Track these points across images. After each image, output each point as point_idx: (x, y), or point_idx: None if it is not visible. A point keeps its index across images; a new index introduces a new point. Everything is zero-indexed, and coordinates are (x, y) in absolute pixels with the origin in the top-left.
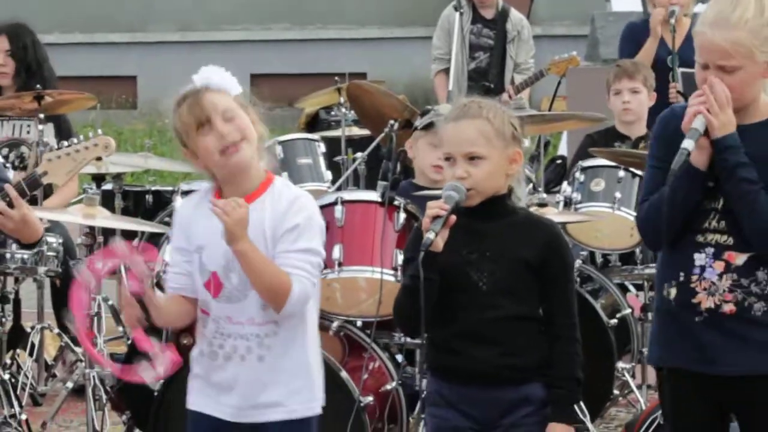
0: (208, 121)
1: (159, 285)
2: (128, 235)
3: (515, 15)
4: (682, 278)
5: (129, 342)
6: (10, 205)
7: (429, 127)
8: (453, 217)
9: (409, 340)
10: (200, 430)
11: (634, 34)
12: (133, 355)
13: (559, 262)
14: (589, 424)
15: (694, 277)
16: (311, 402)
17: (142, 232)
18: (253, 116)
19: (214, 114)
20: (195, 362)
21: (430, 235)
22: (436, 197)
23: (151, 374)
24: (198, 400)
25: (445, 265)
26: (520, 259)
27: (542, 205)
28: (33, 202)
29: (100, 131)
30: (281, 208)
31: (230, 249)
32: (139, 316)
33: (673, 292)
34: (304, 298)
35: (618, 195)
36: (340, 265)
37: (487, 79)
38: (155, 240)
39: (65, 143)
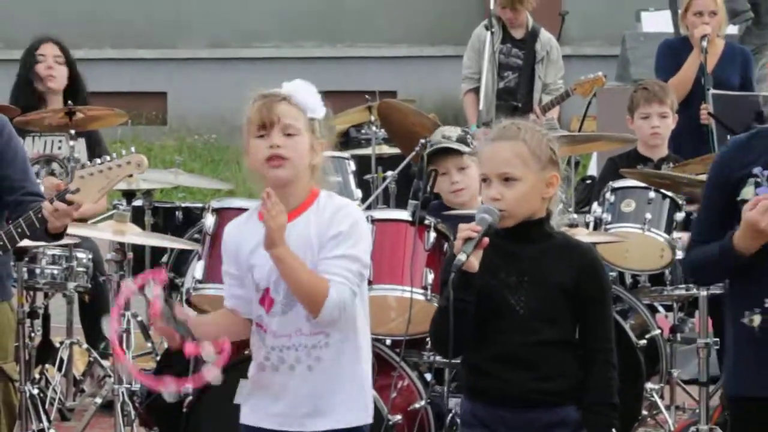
0: (270, 126)
1: (188, 302)
2: (158, 251)
3: (545, 35)
4: (767, 305)
5: (158, 358)
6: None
7: (432, 158)
8: (486, 240)
9: (438, 358)
10: None
11: (672, 50)
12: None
13: (595, 287)
14: None
15: None
16: (360, 412)
17: (172, 249)
18: (318, 144)
19: (277, 123)
20: (250, 379)
21: (462, 257)
22: (468, 217)
23: (172, 388)
24: (250, 414)
25: (483, 288)
26: (558, 283)
27: (572, 225)
28: None
29: (133, 149)
30: (326, 218)
31: (265, 243)
32: (174, 333)
33: (757, 319)
34: (342, 304)
35: (648, 216)
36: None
37: (515, 98)
38: (184, 256)
39: (98, 160)
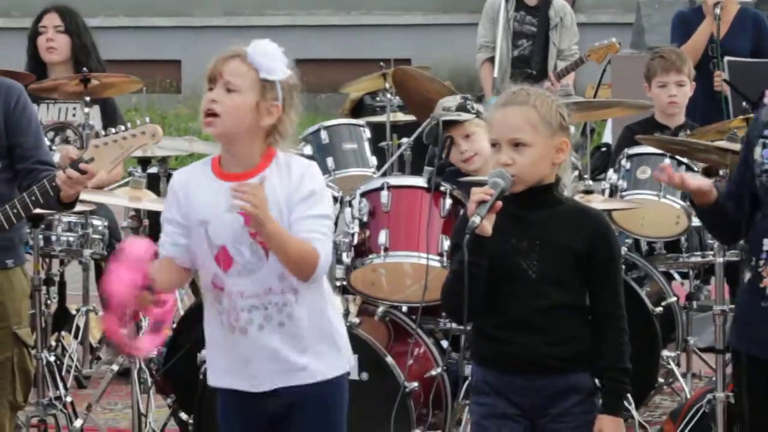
0: (213, 81)
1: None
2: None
3: (558, 2)
4: (753, 262)
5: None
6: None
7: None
8: (499, 203)
9: (454, 325)
10: (230, 406)
11: (685, 22)
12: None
13: (606, 253)
14: (633, 412)
15: (762, 262)
16: (336, 362)
17: None
18: (269, 106)
19: (220, 78)
20: (210, 339)
21: (476, 219)
22: (482, 183)
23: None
24: (221, 376)
25: (495, 253)
26: (568, 248)
27: (588, 192)
28: None
29: (147, 119)
30: (294, 178)
31: (238, 223)
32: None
33: (747, 276)
34: (328, 261)
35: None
36: (386, 250)
37: (529, 66)
38: None
39: (112, 130)
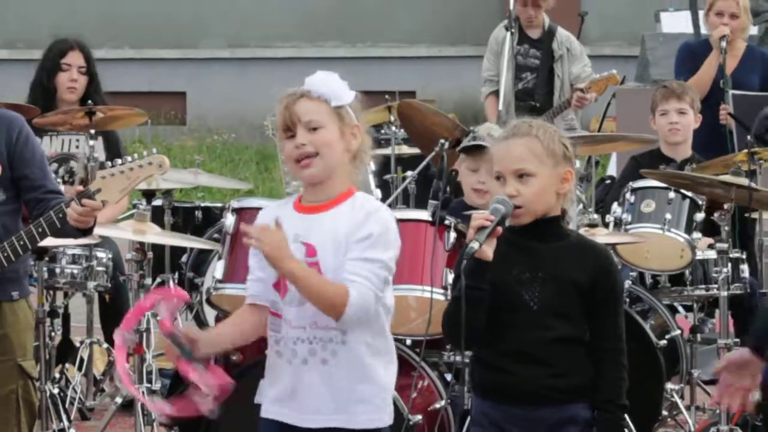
0: (293, 126)
1: (209, 301)
2: (177, 251)
3: (562, 33)
4: None
5: (173, 373)
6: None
7: (469, 151)
8: (499, 229)
9: (458, 359)
10: None
11: (692, 53)
12: (178, 385)
13: (609, 288)
14: None
15: None
16: (374, 414)
17: (191, 248)
18: (350, 129)
19: (299, 122)
20: (267, 368)
21: (474, 245)
22: None
23: (207, 402)
24: (269, 406)
25: (497, 283)
26: (571, 281)
27: (593, 225)
28: None
29: (154, 150)
30: (359, 218)
31: (296, 252)
32: (176, 352)
33: None
34: (365, 307)
35: (668, 216)
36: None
37: (533, 98)
38: (204, 256)
39: (119, 161)
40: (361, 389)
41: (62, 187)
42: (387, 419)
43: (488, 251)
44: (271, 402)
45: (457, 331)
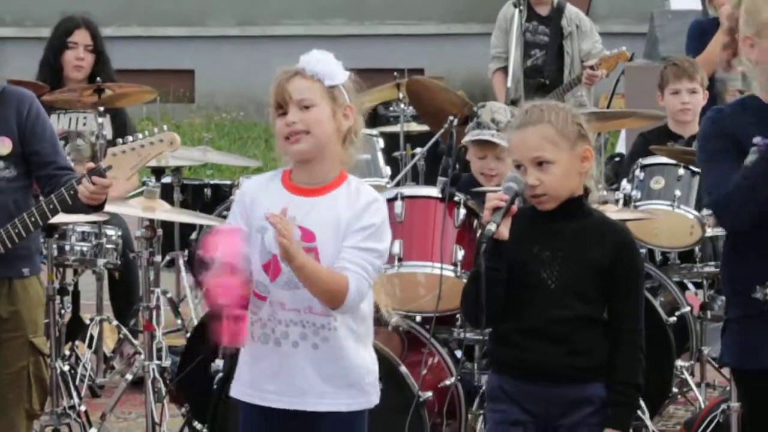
0: (285, 104)
1: None
2: (187, 228)
3: (571, 10)
4: None
5: (188, 335)
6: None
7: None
8: (514, 208)
9: (468, 335)
10: (252, 421)
11: (702, 31)
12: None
13: (628, 268)
14: (647, 422)
15: None
16: (361, 398)
17: (201, 226)
18: (342, 109)
19: (290, 100)
20: (244, 351)
21: (491, 227)
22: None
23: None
24: (244, 388)
25: (516, 261)
26: (591, 261)
27: (603, 202)
28: None
29: (165, 127)
30: (360, 206)
31: (301, 240)
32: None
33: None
34: (360, 297)
35: (678, 193)
36: (399, 260)
37: (542, 76)
38: None
39: (130, 138)
40: (349, 374)
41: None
42: (375, 399)
43: (504, 231)
44: (247, 384)
45: (475, 311)
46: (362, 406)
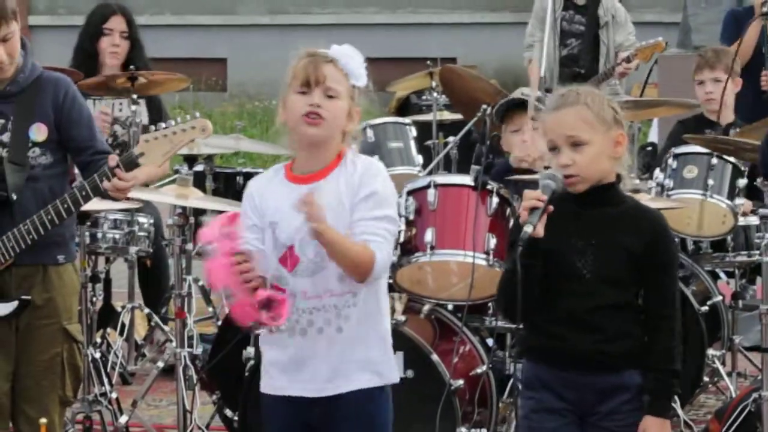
0: (314, 84)
1: None
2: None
3: (607, 0)
4: None
5: (219, 323)
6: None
7: (506, 115)
8: (550, 207)
9: (500, 324)
10: (279, 413)
11: (737, 20)
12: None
13: (663, 254)
14: (678, 410)
15: None
16: (387, 371)
17: None
18: (354, 111)
19: (321, 83)
20: (267, 344)
21: (528, 229)
22: (532, 182)
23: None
24: (273, 383)
25: (551, 251)
26: (625, 248)
27: (635, 191)
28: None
29: (197, 114)
30: (356, 177)
31: (305, 223)
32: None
33: None
34: (384, 265)
35: (711, 182)
36: (432, 248)
37: (578, 65)
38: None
39: (162, 125)
40: (371, 349)
41: None
42: (393, 376)
43: (540, 229)
44: (276, 377)
45: (513, 306)
46: (387, 380)
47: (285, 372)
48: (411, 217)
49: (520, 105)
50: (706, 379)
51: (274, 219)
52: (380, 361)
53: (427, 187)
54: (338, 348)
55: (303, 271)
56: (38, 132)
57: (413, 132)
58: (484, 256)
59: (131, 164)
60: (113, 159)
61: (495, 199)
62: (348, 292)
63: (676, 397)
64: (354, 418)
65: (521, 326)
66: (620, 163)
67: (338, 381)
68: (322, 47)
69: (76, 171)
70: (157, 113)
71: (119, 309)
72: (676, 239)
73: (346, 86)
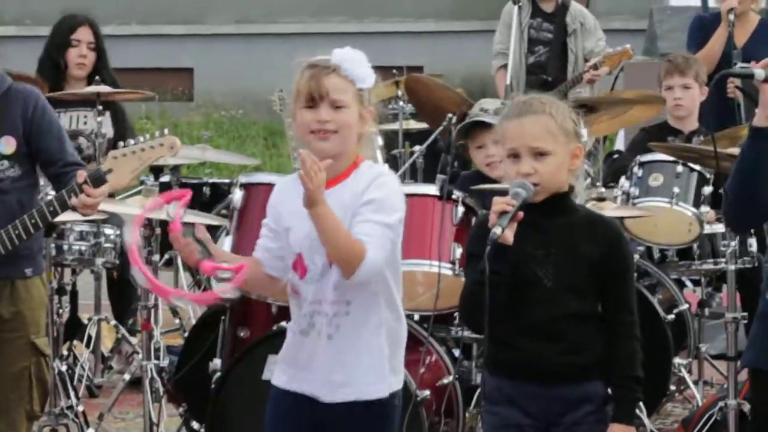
0: (319, 99)
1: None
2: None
3: (575, 8)
4: None
5: (186, 334)
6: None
7: (468, 132)
8: (521, 214)
9: (466, 334)
10: (282, 407)
11: (703, 26)
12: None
13: (620, 260)
14: (645, 420)
15: None
16: (380, 383)
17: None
18: (366, 112)
19: (326, 97)
20: (287, 343)
21: (497, 230)
22: (498, 191)
23: (227, 288)
24: (281, 375)
25: (511, 261)
26: (585, 256)
27: (600, 199)
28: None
29: (166, 131)
30: (362, 186)
31: (309, 214)
32: (193, 249)
33: None
34: (377, 268)
35: (676, 190)
36: None
37: (546, 73)
38: (212, 232)
39: (131, 141)
40: (364, 362)
41: None
42: (389, 389)
43: (509, 236)
44: (284, 372)
45: (477, 316)
46: (380, 393)
47: (292, 367)
48: None
49: (480, 123)
50: (672, 387)
51: (288, 224)
52: (373, 373)
53: None
54: (330, 355)
55: (311, 278)
56: (6, 145)
57: (379, 141)
58: (449, 265)
59: (99, 181)
60: (81, 175)
61: (460, 209)
62: (341, 301)
63: (643, 407)
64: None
65: (483, 337)
66: (574, 174)
67: (332, 389)
68: (321, 54)
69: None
70: (122, 125)
71: (86, 321)
72: (642, 247)
73: (352, 92)
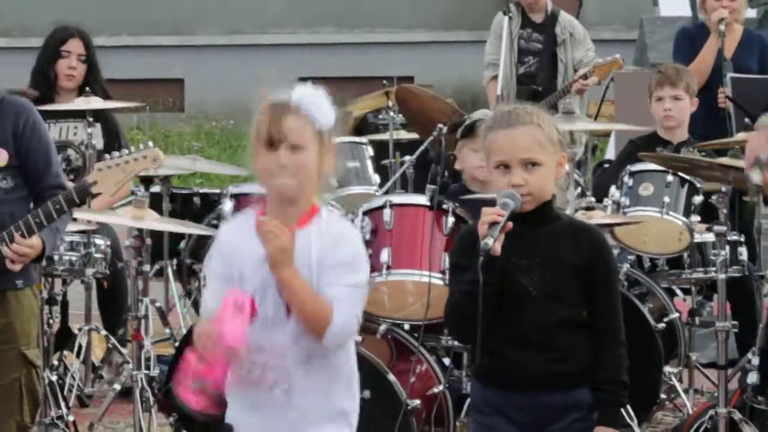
0: (277, 142)
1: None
2: (176, 237)
3: (565, 18)
4: None
5: (176, 344)
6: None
7: (468, 133)
8: (510, 224)
9: (456, 343)
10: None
11: (690, 38)
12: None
13: (604, 266)
14: (636, 428)
15: None
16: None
17: (190, 235)
18: (326, 153)
19: (284, 140)
20: (231, 390)
21: (488, 241)
22: (487, 201)
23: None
24: (235, 414)
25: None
26: (569, 263)
27: (590, 208)
28: (81, 203)
29: (150, 143)
30: (328, 242)
31: (270, 275)
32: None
33: None
34: (348, 331)
35: (666, 199)
36: (388, 268)
37: (535, 83)
38: (203, 242)
39: (116, 154)
40: (323, 414)
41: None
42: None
43: (498, 246)
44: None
45: (466, 327)
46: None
47: (243, 421)
48: (367, 237)
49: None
50: (663, 396)
51: (242, 268)
52: (332, 424)
53: (383, 207)
54: (284, 411)
55: (260, 324)
56: None
57: (370, 151)
58: (440, 275)
59: (84, 193)
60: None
61: (451, 219)
62: (301, 357)
63: (633, 414)
64: None
65: (470, 346)
66: (557, 183)
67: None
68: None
69: None
70: (114, 136)
71: (76, 331)
72: (632, 256)
73: (311, 133)
